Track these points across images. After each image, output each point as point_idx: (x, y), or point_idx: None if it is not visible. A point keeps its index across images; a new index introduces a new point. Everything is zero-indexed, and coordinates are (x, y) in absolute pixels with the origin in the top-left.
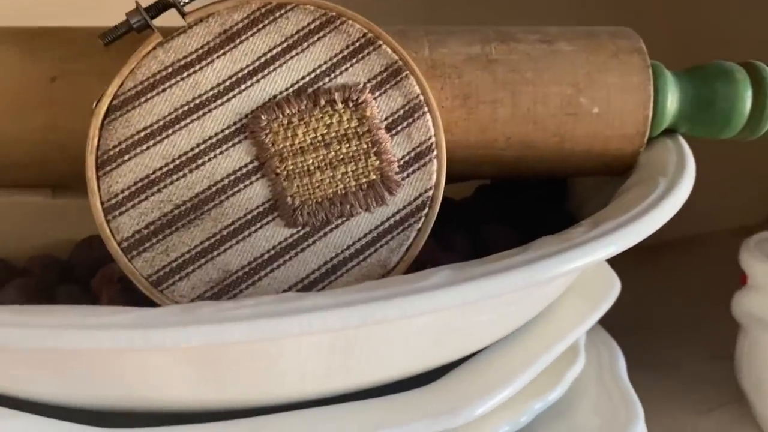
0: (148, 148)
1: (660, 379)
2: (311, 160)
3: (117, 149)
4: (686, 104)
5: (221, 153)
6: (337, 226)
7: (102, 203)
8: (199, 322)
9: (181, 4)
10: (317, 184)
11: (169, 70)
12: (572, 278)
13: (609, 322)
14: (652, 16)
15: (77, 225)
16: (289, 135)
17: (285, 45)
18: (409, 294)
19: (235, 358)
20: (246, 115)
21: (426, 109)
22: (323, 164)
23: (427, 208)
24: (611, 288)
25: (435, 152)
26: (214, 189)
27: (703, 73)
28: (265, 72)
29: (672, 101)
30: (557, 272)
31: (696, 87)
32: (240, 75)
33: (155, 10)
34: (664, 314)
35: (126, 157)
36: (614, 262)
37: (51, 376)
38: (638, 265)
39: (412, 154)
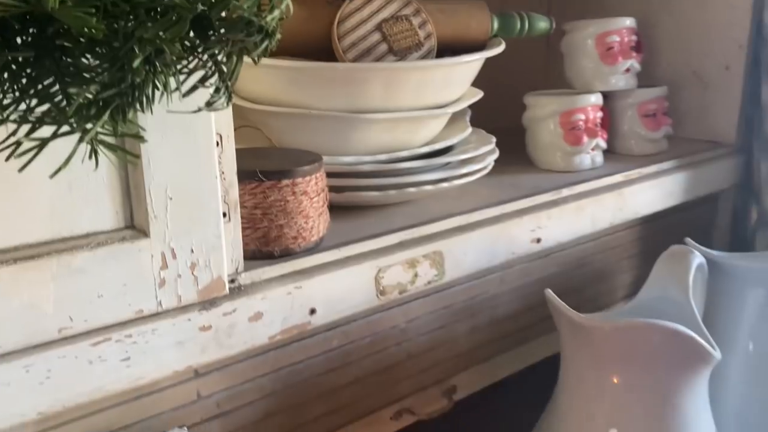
0: (354, 31)
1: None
2: (399, 35)
3: (344, 32)
4: (500, 27)
5: (371, 35)
6: (407, 56)
7: (341, 50)
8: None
9: None
10: (401, 42)
11: (356, 7)
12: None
13: None
14: None
15: None
16: (393, 28)
17: (387, 3)
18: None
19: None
20: (379, 22)
21: (429, 22)
22: (401, 37)
23: (432, 52)
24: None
25: (432, 35)
26: (370, 45)
27: (504, 15)
28: (382, 9)
29: (495, 25)
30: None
31: (502, 21)
32: (375, 9)
33: None
34: None
35: (346, 36)
36: None
37: (327, 91)
38: None
39: (425, 35)
